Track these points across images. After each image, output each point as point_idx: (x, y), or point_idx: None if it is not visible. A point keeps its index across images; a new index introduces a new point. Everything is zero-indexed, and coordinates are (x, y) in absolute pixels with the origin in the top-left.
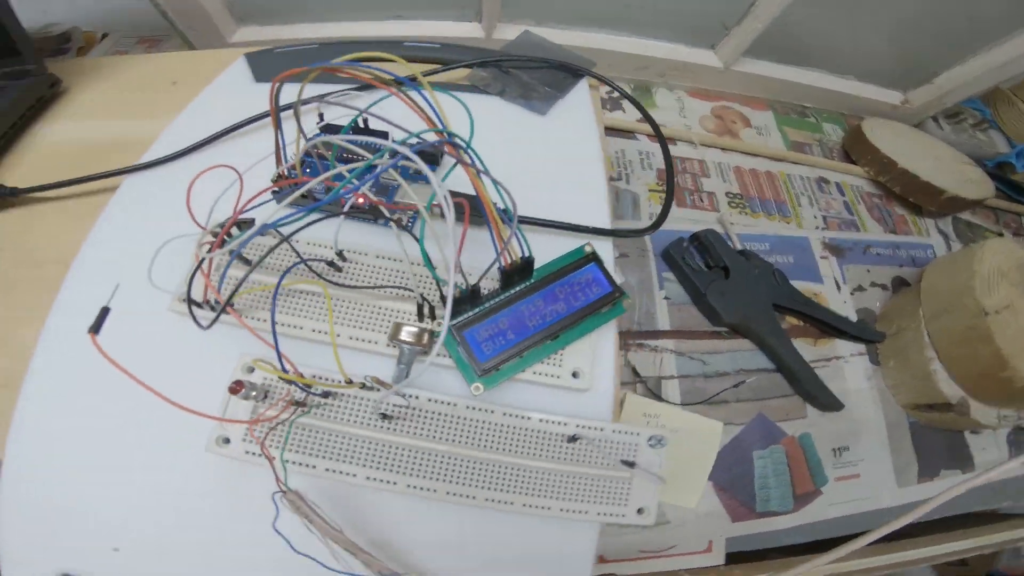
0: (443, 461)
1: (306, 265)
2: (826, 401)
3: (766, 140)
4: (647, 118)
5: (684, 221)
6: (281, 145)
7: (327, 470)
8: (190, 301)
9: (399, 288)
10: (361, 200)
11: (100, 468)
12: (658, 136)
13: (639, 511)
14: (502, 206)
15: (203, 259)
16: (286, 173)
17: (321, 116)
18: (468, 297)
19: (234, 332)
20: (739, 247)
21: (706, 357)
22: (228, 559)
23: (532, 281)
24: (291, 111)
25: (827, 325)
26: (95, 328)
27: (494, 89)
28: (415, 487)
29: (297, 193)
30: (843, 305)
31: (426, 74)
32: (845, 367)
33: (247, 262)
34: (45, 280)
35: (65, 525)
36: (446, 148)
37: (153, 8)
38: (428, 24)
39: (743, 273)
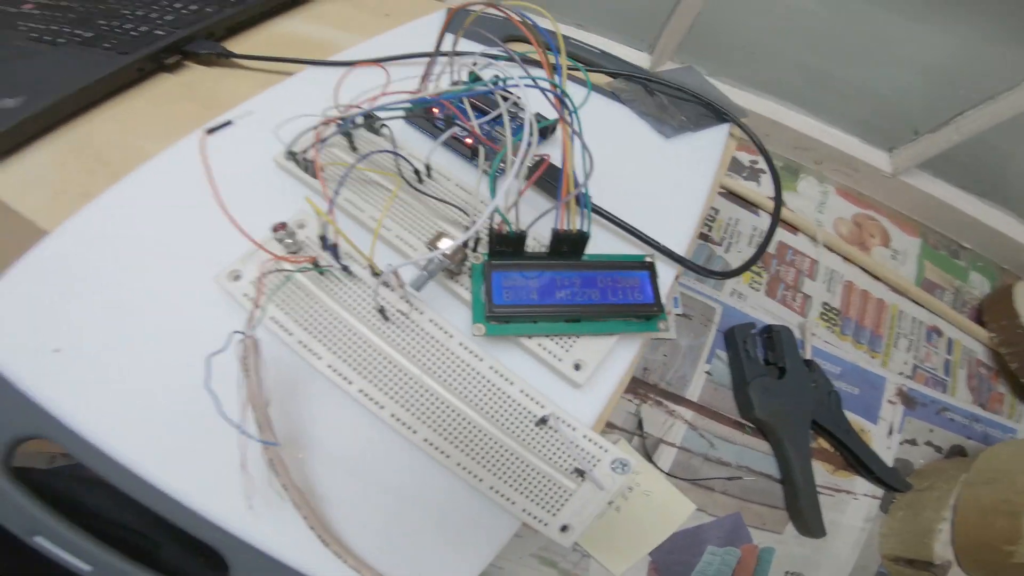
0: (408, 384)
1: (394, 156)
2: (812, 526)
3: (898, 267)
4: (775, 184)
5: (763, 312)
6: (431, 74)
7: (299, 342)
8: (292, 154)
9: (460, 210)
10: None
11: (101, 269)
12: (775, 212)
13: (563, 528)
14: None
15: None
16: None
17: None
18: (513, 244)
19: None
20: (807, 357)
21: (716, 441)
22: (159, 383)
23: (579, 260)
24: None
25: (857, 460)
26: (211, 130)
27: (627, 99)
28: (368, 395)
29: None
30: (886, 450)
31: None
32: (850, 503)
33: (354, 148)
34: (205, 118)
35: (24, 313)
36: (553, 102)
37: None
38: (601, 40)
39: (798, 380)
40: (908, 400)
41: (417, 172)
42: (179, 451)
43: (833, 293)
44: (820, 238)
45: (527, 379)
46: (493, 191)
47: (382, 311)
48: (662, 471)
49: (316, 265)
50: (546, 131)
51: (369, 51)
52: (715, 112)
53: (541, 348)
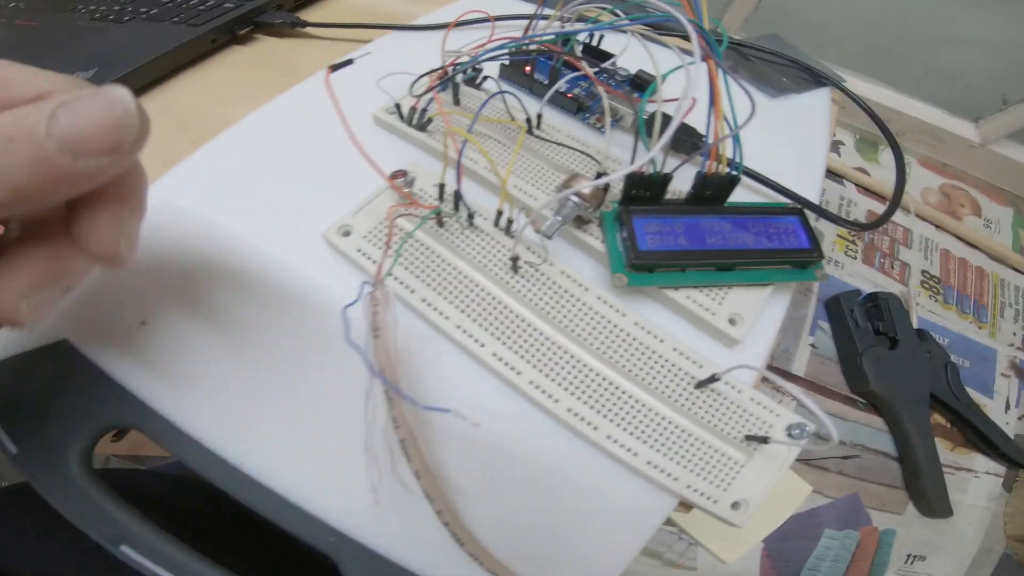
0: (544, 346)
1: (505, 106)
2: (938, 506)
3: (992, 236)
4: (889, 140)
5: (862, 280)
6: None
7: (423, 300)
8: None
9: (588, 155)
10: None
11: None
12: (897, 160)
13: (734, 505)
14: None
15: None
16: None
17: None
18: (654, 188)
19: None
20: (916, 326)
21: (828, 419)
22: (260, 351)
23: (723, 206)
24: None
25: (979, 436)
26: (335, 67)
27: (725, 64)
28: (502, 359)
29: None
30: (1004, 426)
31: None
32: (972, 481)
33: (457, 102)
34: (283, 86)
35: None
36: (698, 39)
37: None
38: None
39: (911, 351)
40: (1022, 373)
41: (529, 121)
42: (286, 440)
43: (931, 261)
44: (912, 208)
45: (678, 335)
46: (643, 126)
47: (515, 261)
48: None
49: (439, 214)
50: (645, 88)
51: (443, 18)
52: (814, 76)
53: (690, 301)
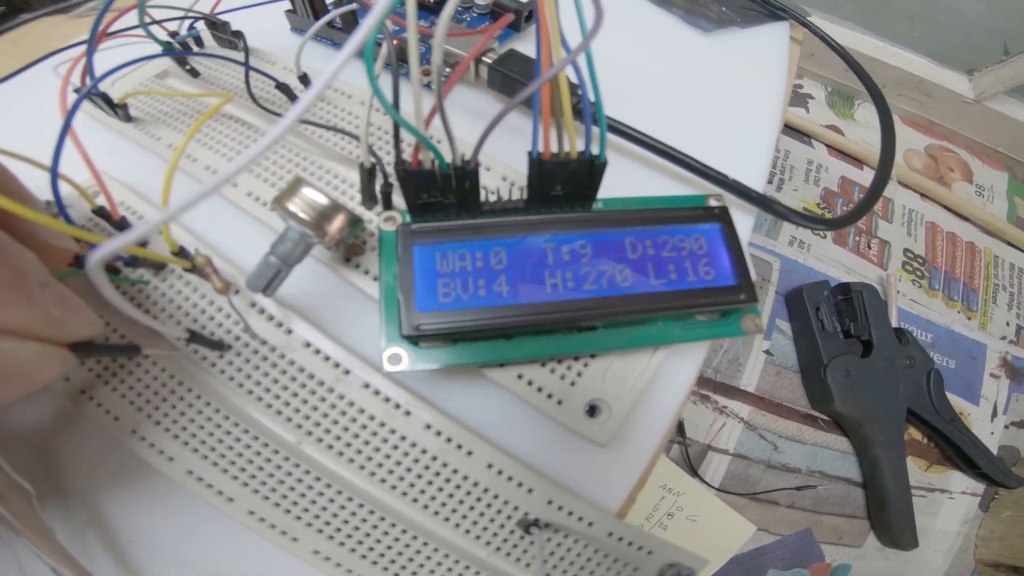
0: (272, 461)
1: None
2: (902, 537)
3: (985, 204)
4: (887, 129)
5: (832, 264)
6: None
7: (83, 392)
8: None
9: (350, 135)
10: None
11: None
12: (881, 166)
13: None
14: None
15: None
16: None
17: None
18: (452, 190)
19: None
20: (895, 324)
21: (782, 443)
22: None
23: (589, 211)
24: None
25: (958, 453)
26: None
27: None
28: (201, 479)
29: None
30: (988, 436)
31: None
32: (945, 503)
33: (195, 73)
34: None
35: None
36: None
37: None
38: None
39: (888, 358)
40: (1014, 372)
41: (284, 88)
42: None
43: (914, 237)
44: (894, 173)
45: (500, 440)
46: (383, 98)
47: (195, 337)
48: (711, 487)
49: (79, 265)
50: (519, 20)
51: None
52: (767, 7)
53: (522, 383)
